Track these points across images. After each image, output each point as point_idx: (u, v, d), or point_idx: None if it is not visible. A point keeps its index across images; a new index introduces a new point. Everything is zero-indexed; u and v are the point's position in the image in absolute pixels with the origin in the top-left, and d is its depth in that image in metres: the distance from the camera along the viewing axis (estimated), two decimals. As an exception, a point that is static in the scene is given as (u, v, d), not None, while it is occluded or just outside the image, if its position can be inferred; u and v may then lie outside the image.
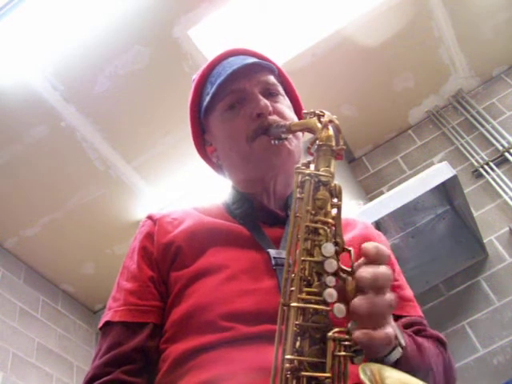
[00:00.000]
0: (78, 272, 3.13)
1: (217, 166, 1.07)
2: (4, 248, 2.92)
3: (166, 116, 2.58)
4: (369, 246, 0.67)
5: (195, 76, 1.08)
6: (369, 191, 2.89)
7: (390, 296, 0.65)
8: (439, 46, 2.72)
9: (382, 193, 2.79)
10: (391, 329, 0.65)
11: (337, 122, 0.78)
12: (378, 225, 2.33)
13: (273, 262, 0.85)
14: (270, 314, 0.73)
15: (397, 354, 0.68)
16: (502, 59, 2.89)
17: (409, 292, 0.94)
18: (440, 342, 0.85)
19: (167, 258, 0.89)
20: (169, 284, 0.88)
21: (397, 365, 0.68)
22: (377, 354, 0.65)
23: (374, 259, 0.66)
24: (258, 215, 0.95)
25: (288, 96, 1.06)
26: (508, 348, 2.25)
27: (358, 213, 2.20)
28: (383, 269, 0.66)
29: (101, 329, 0.90)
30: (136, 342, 0.84)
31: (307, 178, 0.72)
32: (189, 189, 2.89)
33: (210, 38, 2.39)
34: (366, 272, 0.65)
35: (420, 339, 0.79)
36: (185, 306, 0.83)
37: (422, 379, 0.71)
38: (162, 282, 0.89)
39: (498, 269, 2.44)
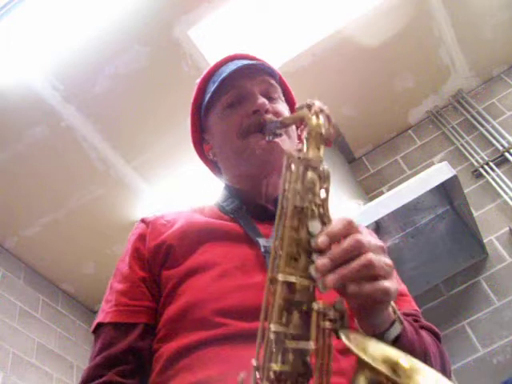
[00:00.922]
0: (78, 272, 3.13)
1: (212, 165, 1.09)
2: (4, 248, 2.92)
3: (166, 116, 2.58)
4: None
5: (199, 79, 1.10)
6: (369, 191, 2.89)
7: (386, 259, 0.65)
8: (439, 45, 2.72)
9: (382, 193, 2.79)
10: (391, 284, 0.63)
11: (327, 111, 0.78)
12: (378, 225, 2.32)
13: (262, 249, 0.85)
14: None
15: (396, 329, 0.68)
16: (502, 59, 2.89)
17: (402, 287, 0.94)
18: (434, 334, 0.84)
19: (158, 258, 0.90)
20: (161, 284, 0.88)
21: (396, 343, 0.68)
22: (374, 311, 0.65)
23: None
24: (249, 210, 0.96)
25: (287, 103, 1.07)
26: (508, 348, 2.25)
27: (357, 213, 2.20)
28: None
29: (94, 332, 0.89)
30: (127, 343, 0.84)
31: (296, 160, 0.72)
32: (189, 189, 2.89)
33: (210, 38, 2.39)
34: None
35: (416, 325, 0.79)
36: (177, 304, 0.83)
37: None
38: (153, 282, 0.89)
39: (497, 269, 2.44)
